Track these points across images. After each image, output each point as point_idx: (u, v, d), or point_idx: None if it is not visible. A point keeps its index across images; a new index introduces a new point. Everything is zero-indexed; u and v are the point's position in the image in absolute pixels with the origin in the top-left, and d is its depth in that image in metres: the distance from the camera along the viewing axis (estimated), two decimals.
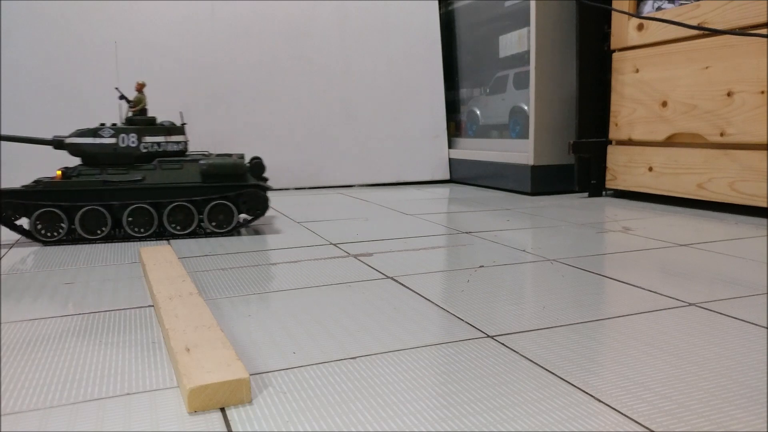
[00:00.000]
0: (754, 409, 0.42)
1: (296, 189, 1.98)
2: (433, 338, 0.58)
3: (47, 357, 0.55)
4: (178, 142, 1.18)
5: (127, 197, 1.11)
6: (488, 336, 0.58)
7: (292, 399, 0.46)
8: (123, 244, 1.10)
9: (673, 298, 0.69)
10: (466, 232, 1.12)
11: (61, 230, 1.09)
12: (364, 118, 2.05)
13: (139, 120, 1.16)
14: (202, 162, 1.13)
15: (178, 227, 1.13)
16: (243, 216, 1.21)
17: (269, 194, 1.24)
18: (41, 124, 1.76)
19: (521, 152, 1.71)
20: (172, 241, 1.11)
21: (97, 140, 1.12)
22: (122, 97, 1.20)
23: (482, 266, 0.86)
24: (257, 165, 1.19)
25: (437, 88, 2.11)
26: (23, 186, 1.08)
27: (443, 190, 1.87)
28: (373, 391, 0.47)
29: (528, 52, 1.68)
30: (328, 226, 1.24)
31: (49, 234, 1.09)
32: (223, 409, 0.45)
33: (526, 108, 1.72)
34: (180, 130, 1.19)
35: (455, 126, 2.16)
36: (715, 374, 0.48)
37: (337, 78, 2.03)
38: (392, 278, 0.80)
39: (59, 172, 1.09)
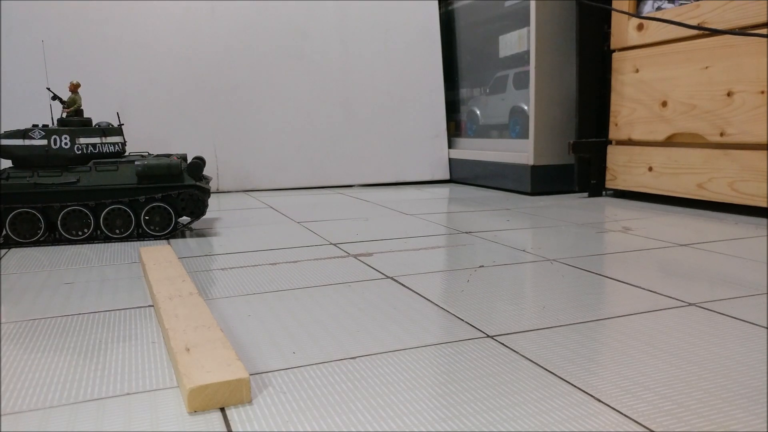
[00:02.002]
0: (754, 409, 0.42)
1: (296, 189, 1.98)
2: (433, 338, 0.58)
3: (47, 357, 0.55)
4: (114, 144, 1.17)
5: (61, 199, 1.09)
6: (488, 336, 0.58)
7: (292, 399, 0.46)
8: (117, 245, 1.10)
9: (673, 298, 0.69)
10: (466, 232, 1.12)
11: None
12: (363, 117, 2.05)
13: (74, 121, 1.14)
14: (137, 163, 1.11)
15: (117, 230, 1.12)
16: (184, 218, 1.21)
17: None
18: None
19: (521, 152, 1.71)
20: (172, 241, 1.11)
21: (27, 142, 1.09)
22: (55, 97, 1.17)
23: (482, 266, 0.86)
24: (194, 165, 1.15)
25: (437, 88, 2.11)
26: None
27: (443, 190, 1.87)
28: (373, 391, 0.47)
29: (528, 52, 1.68)
30: (328, 226, 1.24)
31: None
32: (223, 409, 0.45)
33: (526, 108, 1.72)
34: (117, 131, 1.18)
35: (455, 126, 2.16)
36: (715, 374, 0.48)
37: (337, 78, 2.03)
38: (392, 278, 0.80)
39: None
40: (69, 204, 1.09)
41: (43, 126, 1.12)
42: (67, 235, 1.10)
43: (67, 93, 1.19)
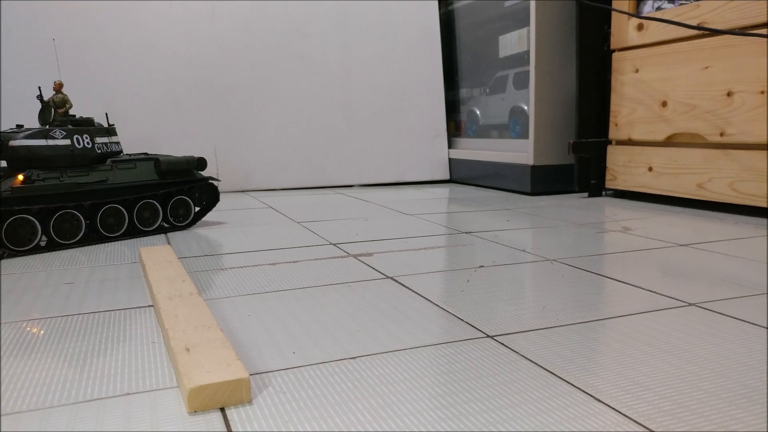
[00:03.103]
0: (754, 409, 0.42)
1: (296, 189, 1.98)
2: (433, 338, 0.58)
3: (47, 357, 0.55)
4: (118, 143, 1.19)
5: (99, 197, 1.10)
6: (488, 336, 0.58)
7: (292, 399, 0.46)
8: (119, 243, 1.10)
9: (673, 298, 0.69)
10: (466, 232, 1.12)
11: (33, 238, 1.02)
12: (363, 118, 2.05)
13: (81, 120, 1.12)
14: (161, 159, 1.17)
15: (145, 225, 1.17)
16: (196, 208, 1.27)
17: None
18: None
19: (521, 152, 1.71)
20: (172, 241, 1.11)
21: (51, 142, 1.06)
22: (41, 97, 1.12)
23: (482, 266, 0.86)
24: (202, 161, 1.24)
25: (437, 88, 2.11)
26: None
27: (443, 190, 1.87)
28: (373, 391, 0.47)
29: (528, 52, 1.68)
30: (328, 226, 1.24)
31: (20, 243, 1.01)
32: (223, 409, 0.45)
33: (526, 108, 1.72)
34: (114, 130, 1.19)
35: (455, 126, 2.16)
36: (715, 374, 0.48)
37: (337, 78, 2.03)
38: (392, 278, 0.80)
39: (21, 177, 1.02)
40: (107, 202, 1.10)
41: (46, 126, 1.08)
42: (106, 233, 1.11)
43: (49, 93, 1.14)
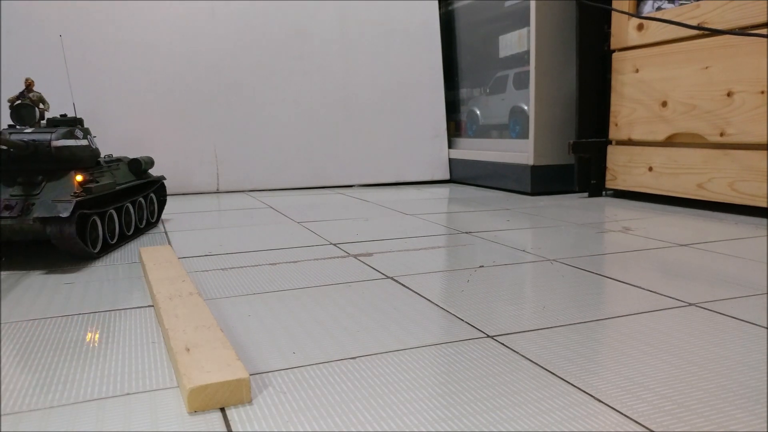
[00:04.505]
0: (754, 409, 0.42)
1: (296, 189, 1.98)
2: (433, 338, 0.58)
3: (47, 357, 0.55)
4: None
5: (125, 198, 1.11)
6: (488, 336, 0.58)
7: (292, 399, 0.46)
8: (118, 244, 1.10)
9: (673, 298, 0.69)
10: (466, 232, 1.12)
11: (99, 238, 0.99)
12: (364, 118, 2.05)
13: (73, 120, 1.04)
14: (141, 158, 1.18)
15: (139, 223, 1.18)
16: None
17: None
18: None
19: (521, 152, 1.71)
20: (172, 241, 1.11)
21: (79, 142, 1.00)
22: (21, 95, 1.04)
23: (482, 266, 0.86)
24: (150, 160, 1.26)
25: (437, 88, 2.11)
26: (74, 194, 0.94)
27: (443, 190, 1.87)
28: (373, 391, 0.47)
29: (528, 52, 1.68)
30: (328, 226, 1.24)
31: (94, 244, 0.98)
32: (223, 409, 0.45)
33: (526, 108, 1.72)
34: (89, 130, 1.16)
35: (455, 126, 2.16)
36: (715, 374, 0.48)
37: (337, 78, 2.03)
38: (392, 278, 0.80)
39: (82, 177, 0.96)
40: (124, 202, 1.10)
41: (52, 124, 1.02)
42: (128, 233, 1.11)
43: (13, 92, 1.07)
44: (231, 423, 0.42)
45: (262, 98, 1.96)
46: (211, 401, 0.44)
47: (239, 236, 1.15)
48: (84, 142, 1.01)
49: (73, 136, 1.00)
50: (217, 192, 1.93)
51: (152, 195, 1.25)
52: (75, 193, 0.92)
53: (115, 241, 1.05)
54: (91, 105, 1.81)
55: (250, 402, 0.45)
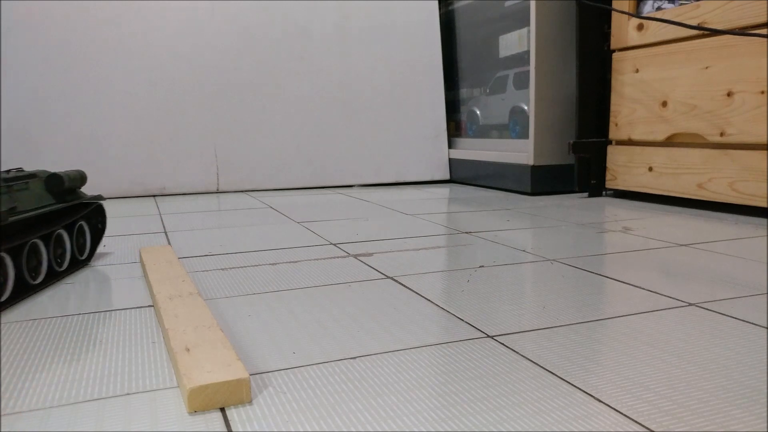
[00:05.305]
0: (754, 409, 0.42)
1: (296, 189, 1.98)
2: (433, 338, 0.58)
3: (47, 357, 0.55)
4: None
5: (30, 233, 0.78)
6: (488, 336, 0.58)
7: (292, 399, 0.46)
8: (116, 245, 1.10)
9: (673, 298, 0.69)
10: (466, 232, 1.12)
11: None
12: (364, 118, 2.05)
13: None
14: (64, 173, 0.86)
15: (56, 265, 0.84)
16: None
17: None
18: None
19: (521, 152, 1.71)
20: (172, 241, 1.11)
21: None
22: None
23: (482, 266, 0.86)
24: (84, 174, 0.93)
25: (437, 88, 2.11)
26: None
27: (443, 190, 1.87)
28: (373, 391, 0.47)
29: (528, 52, 1.68)
30: (328, 226, 1.24)
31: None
32: (223, 409, 0.45)
33: (526, 108, 1.72)
34: None
35: (455, 126, 2.16)
36: (715, 374, 0.48)
37: (337, 78, 2.03)
38: (392, 278, 0.80)
39: None
40: (29, 237, 0.76)
41: None
42: (33, 281, 0.78)
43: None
44: (231, 423, 0.42)
45: (263, 98, 1.96)
46: (211, 401, 0.44)
47: (239, 236, 1.15)
48: None
49: None
50: (217, 192, 1.93)
51: (82, 223, 0.92)
52: None
53: (5, 297, 0.71)
54: (91, 104, 1.81)
55: (250, 402, 0.45)
